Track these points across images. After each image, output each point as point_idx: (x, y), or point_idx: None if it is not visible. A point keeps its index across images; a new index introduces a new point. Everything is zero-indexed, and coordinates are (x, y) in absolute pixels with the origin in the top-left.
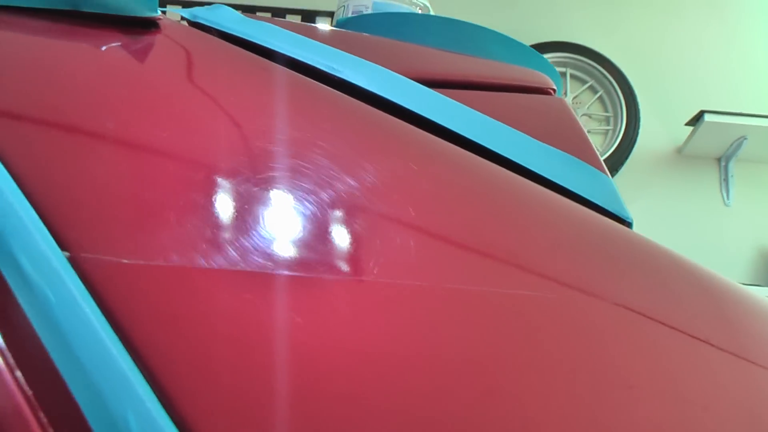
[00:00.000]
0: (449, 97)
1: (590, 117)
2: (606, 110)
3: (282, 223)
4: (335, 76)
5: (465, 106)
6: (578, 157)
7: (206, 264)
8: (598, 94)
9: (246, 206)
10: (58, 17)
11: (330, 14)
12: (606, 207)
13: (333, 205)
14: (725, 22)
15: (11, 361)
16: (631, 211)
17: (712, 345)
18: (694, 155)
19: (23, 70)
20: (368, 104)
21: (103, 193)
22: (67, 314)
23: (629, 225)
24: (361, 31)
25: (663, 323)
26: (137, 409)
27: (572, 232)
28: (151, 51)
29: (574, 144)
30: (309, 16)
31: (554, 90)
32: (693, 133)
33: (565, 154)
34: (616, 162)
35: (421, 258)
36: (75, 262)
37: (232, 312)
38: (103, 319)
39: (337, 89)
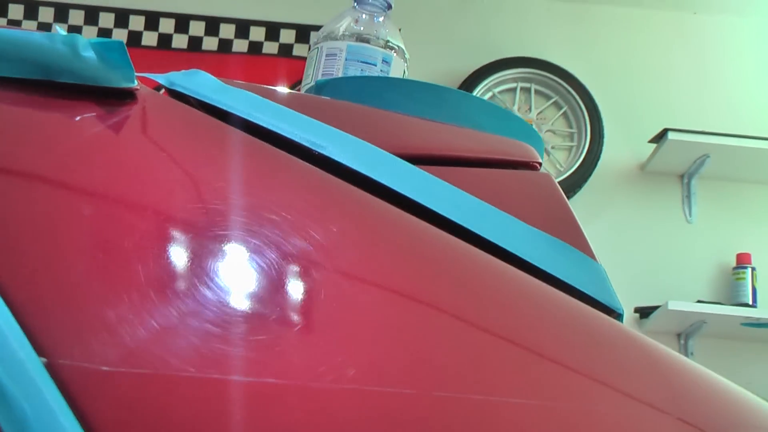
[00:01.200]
0: (431, 172)
1: (554, 133)
2: (570, 126)
3: (255, 321)
4: (315, 151)
5: (447, 183)
6: (564, 239)
7: (185, 371)
8: (562, 110)
9: (222, 305)
10: (32, 87)
11: (294, 26)
12: (595, 297)
13: (303, 296)
14: (690, 41)
15: None
16: (594, 228)
17: (653, 407)
18: (657, 172)
19: None
20: (349, 181)
21: (81, 294)
22: (44, 428)
23: (619, 316)
24: (340, 94)
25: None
26: None
27: (559, 327)
28: (125, 124)
29: (562, 224)
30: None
31: (540, 164)
32: (656, 150)
33: (552, 237)
34: (579, 178)
35: (416, 357)
36: (52, 369)
37: (207, 421)
38: (80, 430)
39: (318, 164)
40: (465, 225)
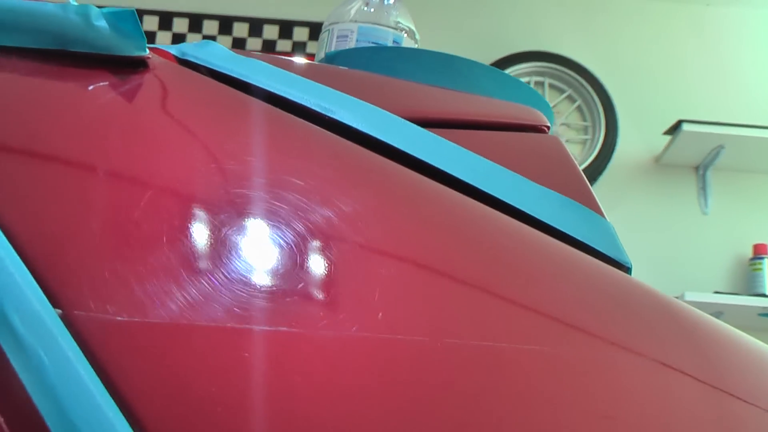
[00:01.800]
0: (442, 136)
1: (568, 126)
2: (584, 120)
3: (270, 274)
4: (326, 115)
5: (458, 146)
6: (574, 198)
7: (201, 321)
8: (576, 104)
9: (237, 259)
10: (47, 57)
11: (307, 24)
12: (604, 252)
13: (319, 253)
14: (703, 32)
15: (3, 425)
16: (610, 220)
17: (686, 374)
18: (672, 164)
19: (10, 113)
20: (360, 144)
21: (96, 248)
22: (61, 376)
23: (628, 270)
24: (351, 65)
25: (638, 353)
26: None
27: (572, 279)
28: (139, 91)
29: (570, 184)
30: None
31: (548, 127)
32: (671, 142)
33: (562, 196)
34: (594, 171)
35: (408, 309)
36: (67, 321)
37: (224, 370)
38: (96, 379)
39: (328, 128)
40: (476, 185)
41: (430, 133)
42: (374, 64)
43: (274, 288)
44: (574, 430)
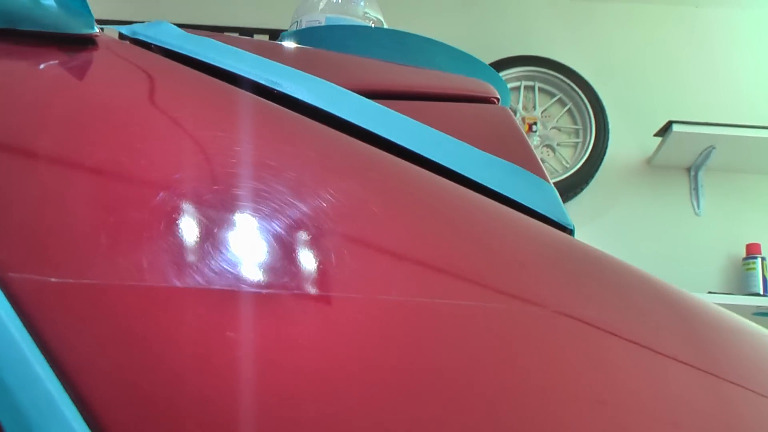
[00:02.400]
0: (390, 108)
1: (559, 130)
2: (575, 123)
3: (210, 235)
4: (275, 89)
5: (405, 116)
6: (520, 164)
7: (138, 282)
8: (566, 107)
9: (178, 221)
10: None
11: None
12: (549, 215)
13: (264, 214)
14: (692, 34)
15: None
16: (603, 223)
17: (680, 361)
18: (663, 166)
19: None
20: (308, 116)
21: (31, 209)
22: None
23: (571, 232)
24: (306, 45)
25: (627, 339)
26: (62, 429)
27: (523, 244)
28: (88, 68)
29: (517, 153)
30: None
31: (498, 99)
32: (662, 143)
33: (506, 162)
34: (586, 174)
35: (370, 271)
36: (2, 282)
37: (164, 331)
38: (30, 341)
39: (278, 103)
40: (422, 153)
41: (376, 104)
42: (329, 43)
43: (227, 248)
44: (566, 416)
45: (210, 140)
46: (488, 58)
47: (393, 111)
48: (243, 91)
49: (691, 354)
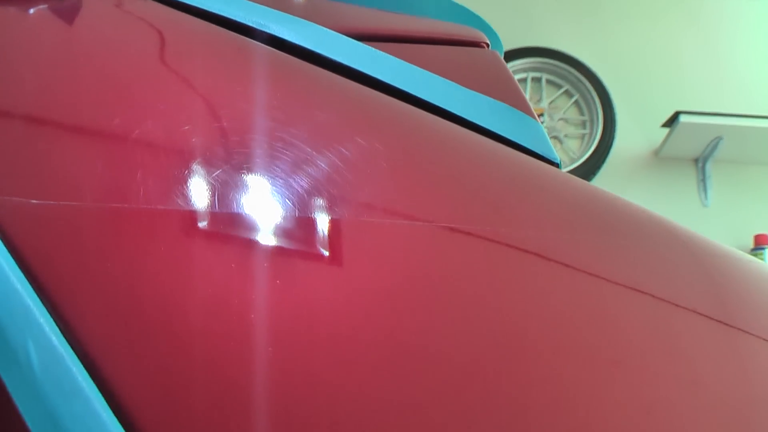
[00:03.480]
0: (380, 50)
1: (566, 121)
2: (582, 114)
3: (205, 160)
4: (263, 31)
5: (395, 57)
6: (508, 102)
7: (118, 204)
8: (573, 99)
9: (162, 146)
10: None
11: None
12: (535, 150)
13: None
14: (698, 23)
15: None
16: None
17: (699, 314)
18: (671, 157)
19: None
20: (295, 57)
21: (10, 131)
22: None
23: (558, 166)
24: None
25: (643, 291)
26: (38, 339)
27: (512, 178)
28: (79, 13)
29: (506, 93)
30: None
31: (487, 44)
32: (669, 134)
33: (494, 100)
34: (593, 166)
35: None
36: None
37: (143, 252)
38: (9, 258)
39: (266, 44)
40: (411, 92)
41: (366, 46)
42: None
43: (206, 171)
44: (581, 382)
45: (199, 73)
46: None
47: (383, 53)
48: (231, 32)
49: (711, 305)
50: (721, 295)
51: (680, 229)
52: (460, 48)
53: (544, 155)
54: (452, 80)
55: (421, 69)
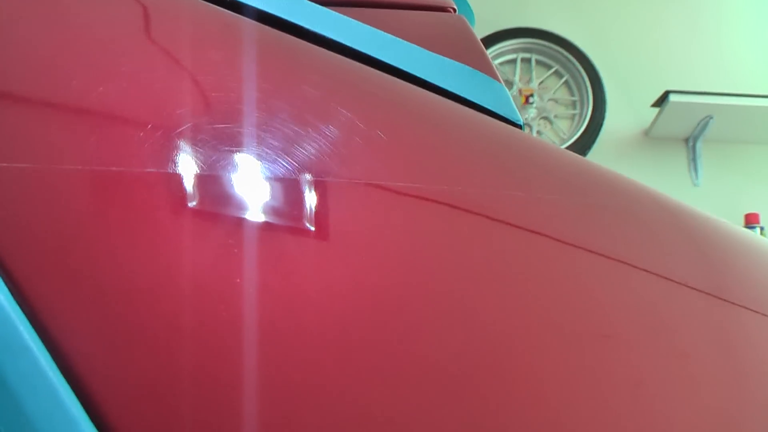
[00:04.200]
0: (345, 15)
1: (557, 102)
2: (572, 95)
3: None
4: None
5: (359, 22)
6: (473, 66)
7: (74, 165)
8: (563, 79)
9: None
10: None
11: None
12: (498, 112)
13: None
14: (687, 2)
15: None
16: None
17: (690, 287)
18: (661, 137)
19: None
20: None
21: None
22: None
23: (521, 127)
24: None
25: (636, 266)
26: None
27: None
28: None
29: (471, 57)
30: None
31: (454, 9)
32: (659, 114)
33: (458, 63)
34: (583, 146)
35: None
36: None
37: (89, 212)
38: None
39: (234, 11)
40: (375, 56)
41: (328, 11)
42: None
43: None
44: (570, 354)
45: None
46: (485, 31)
47: (345, 17)
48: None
49: (703, 278)
50: (712, 268)
51: (668, 199)
52: (426, 12)
53: (508, 117)
54: (417, 44)
55: (384, 33)
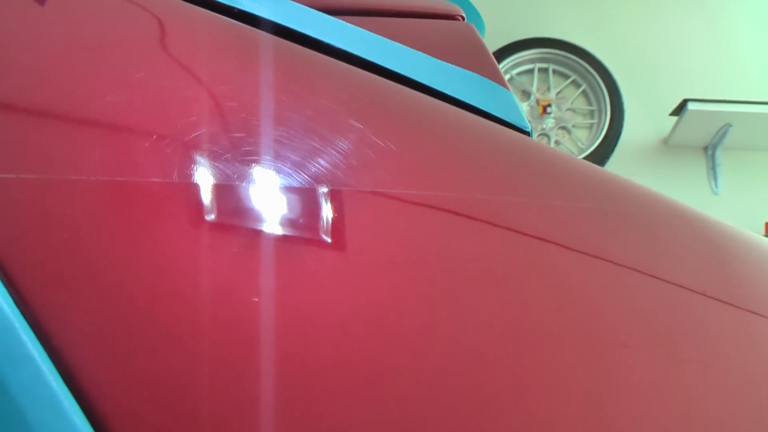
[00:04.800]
0: (354, 24)
1: (574, 111)
2: (590, 104)
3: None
4: (234, 7)
5: (368, 31)
6: (482, 74)
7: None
8: (581, 89)
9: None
10: None
11: None
12: (507, 119)
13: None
14: (705, 10)
15: None
16: None
17: (708, 296)
18: (680, 145)
19: None
20: (270, 33)
21: None
22: None
23: (528, 134)
24: None
25: (653, 276)
26: None
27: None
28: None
29: (479, 64)
30: None
31: (463, 17)
32: (678, 122)
33: (466, 71)
34: (602, 155)
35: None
36: None
37: (89, 219)
38: None
39: (240, 21)
40: (384, 65)
41: (338, 20)
42: None
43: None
44: (590, 363)
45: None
46: (501, 41)
47: (354, 26)
48: (205, 9)
49: (720, 287)
50: (730, 277)
51: (685, 207)
52: (434, 21)
53: (515, 124)
54: (426, 53)
55: (393, 41)
